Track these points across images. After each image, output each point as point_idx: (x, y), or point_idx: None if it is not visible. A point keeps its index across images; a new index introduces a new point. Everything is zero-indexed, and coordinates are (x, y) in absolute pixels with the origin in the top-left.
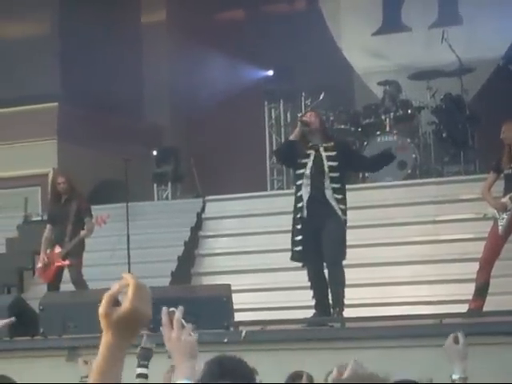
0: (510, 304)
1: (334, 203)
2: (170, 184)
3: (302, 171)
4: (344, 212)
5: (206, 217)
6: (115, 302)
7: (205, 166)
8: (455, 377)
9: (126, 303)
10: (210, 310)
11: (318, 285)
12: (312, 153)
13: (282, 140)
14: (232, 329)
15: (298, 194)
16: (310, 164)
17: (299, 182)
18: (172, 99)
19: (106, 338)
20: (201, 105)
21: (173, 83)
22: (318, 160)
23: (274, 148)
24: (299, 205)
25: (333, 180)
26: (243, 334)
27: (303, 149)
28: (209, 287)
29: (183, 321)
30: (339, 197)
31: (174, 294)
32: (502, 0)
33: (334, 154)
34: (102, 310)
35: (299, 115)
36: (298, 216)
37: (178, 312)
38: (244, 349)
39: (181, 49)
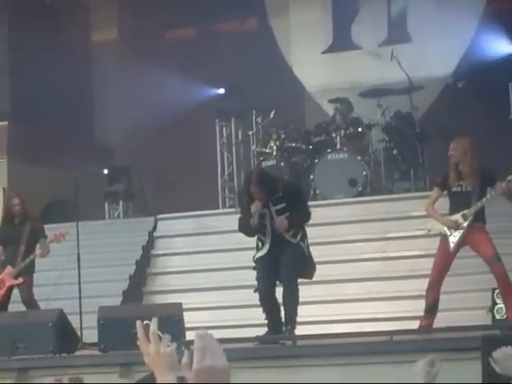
0: (459, 320)
1: (292, 240)
2: (121, 203)
3: (263, 230)
4: (307, 246)
5: (158, 235)
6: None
7: (156, 184)
8: None
9: (193, 366)
10: (162, 329)
11: (269, 304)
12: (265, 212)
13: (234, 158)
14: (183, 348)
15: (259, 244)
16: (268, 226)
17: (261, 238)
18: (123, 117)
19: None
20: (152, 123)
21: (124, 101)
22: (270, 217)
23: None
24: (259, 244)
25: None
26: None
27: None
28: (160, 306)
29: (159, 332)
30: (299, 237)
31: (125, 314)
32: (451, 18)
33: (282, 206)
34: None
35: (252, 209)
36: (254, 255)
37: (153, 324)
38: None
39: (132, 67)
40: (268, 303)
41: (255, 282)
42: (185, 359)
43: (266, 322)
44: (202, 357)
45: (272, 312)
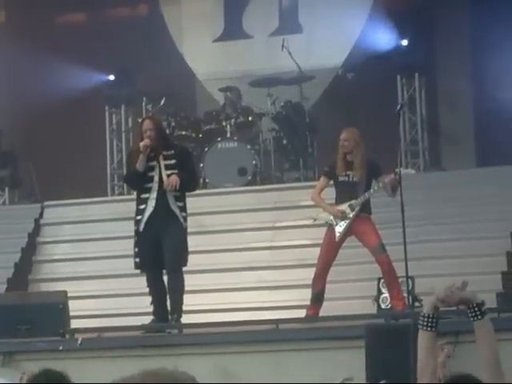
0: (345, 309)
1: (176, 211)
2: (7, 189)
3: (149, 185)
4: (185, 219)
5: (45, 222)
6: None
7: (44, 171)
8: None
9: None
10: (46, 317)
11: (156, 291)
12: (155, 164)
13: (123, 145)
14: (68, 336)
15: (141, 207)
16: (155, 178)
17: (144, 196)
18: (10, 103)
19: None
20: (40, 108)
21: (11, 86)
22: (159, 170)
23: (123, 176)
24: (138, 217)
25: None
26: (79, 341)
27: (147, 162)
28: (44, 294)
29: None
30: (181, 204)
31: (8, 302)
32: (341, 10)
33: (173, 162)
34: None
35: (142, 144)
36: (135, 228)
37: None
38: (80, 356)
39: (20, 52)
40: (155, 289)
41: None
42: None
43: (152, 309)
44: None
45: (158, 299)
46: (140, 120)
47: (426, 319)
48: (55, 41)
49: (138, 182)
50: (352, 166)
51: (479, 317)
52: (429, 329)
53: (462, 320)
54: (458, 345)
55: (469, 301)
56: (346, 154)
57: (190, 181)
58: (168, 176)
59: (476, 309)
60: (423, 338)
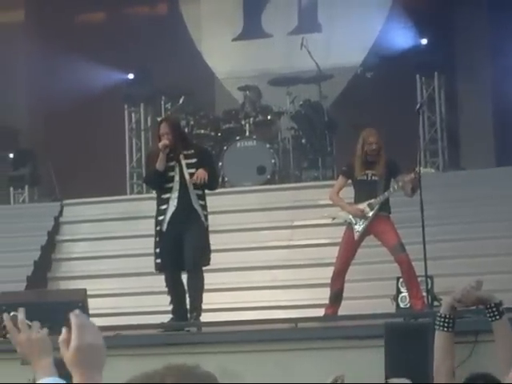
0: (364, 308)
1: (199, 209)
2: (27, 187)
3: (170, 185)
4: (206, 218)
5: (64, 221)
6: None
7: (63, 169)
8: None
9: (71, 343)
10: (65, 316)
11: (175, 290)
12: (175, 164)
13: (143, 144)
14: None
15: (162, 207)
16: (176, 178)
17: (165, 196)
18: (30, 101)
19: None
20: (60, 107)
21: (31, 85)
22: (180, 169)
23: (144, 177)
24: (160, 218)
25: (195, 186)
26: None
27: (167, 162)
28: (64, 292)
29: (27, 321)
30: (203, 203)
31: (28, 299)
32: (360, 9)
33: (194, 161)
34: (61, 355)
35: (160, 144)
36: (158, 229)
37: (20, 313)
38: None
39: (39, 50)
40: (174, 288)
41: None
42: (62, 336)
43: (171, 307)
44: (82, 334)
45: (177, 297)
46: (159, 120)
47: (442, 319)
48: (74, 40)
49: (158, 181)
50: (373, 166)
51: (497, 317)
52: (445, 329)
53: (480, 319)
54: (477, 344)
55: (486, 301)
56: (367, 155)
57: (213, 178)
58: (190, 175)
59: (494, 309)
60: (440, 338)
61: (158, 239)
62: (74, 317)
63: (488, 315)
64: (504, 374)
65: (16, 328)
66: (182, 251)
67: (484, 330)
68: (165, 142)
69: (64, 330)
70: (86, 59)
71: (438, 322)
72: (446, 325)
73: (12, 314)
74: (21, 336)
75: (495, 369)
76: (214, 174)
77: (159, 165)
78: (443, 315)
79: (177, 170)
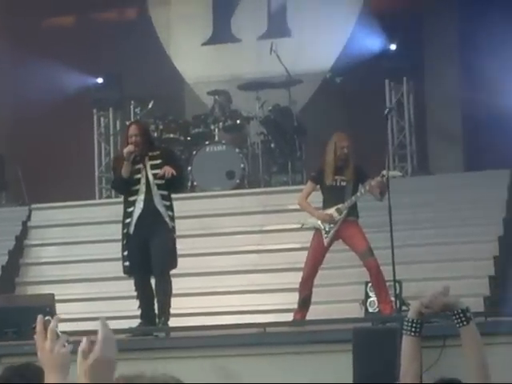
0: (333, 313)
1: (162, 210)
2: None
3: (136, 187)
4: (172, 219)
5: (32, 225)
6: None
7: (31, 173)
8: None
9: (93, 354)
10: (33, 320)
11: (144, 294)
12: (141, 167)
13: (111, 148)
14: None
15: (129, 209)
16: (142, 180)
17: (132, 198)
18: None
19: None
20: (27, 112)
21: None
22: (146, 171)
23: (110, 183)
24: (127, 220)
25: (159, 187)
26: None
27: (134, 165)
28: (31, 297)
29: (58, 331)
30: (167, 203)
31: None
32: (330, 14)
33: (158, 161)
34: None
35: (126, 150)
36: (125, 231)
37: (54, 321)
38: None
39: (7, 55)
40: (143, 292)
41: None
42: (83, 346)
43: (140, 312)
44: (104, 347)
45: (146, 301)
46: (128, 124)
47: (410, 324)
48: (43, 44)
49: (124, 187)
50: (342, 171)
51: (464, 323)
52: (412, 333)
53: (448, 324)
54: (445, 349)
55: (453, 307)
56: (338, 159)
57: (180, 176)
58: (154, 175)
59: (461, 315)
60: (407, 342)
61: (125, 242)
62: (102, 326)
63: (455, 321)
64: (471, 379)
65: (44, 333)
66: (149, 255)
67: (452, 335)
68: (130, 148)
69: (85, 340)
70: (54, 64)
71: (405, 327)
72: (413, 329)
73: (46, 318)
74: (46, 343)
75: (463, 373)
76: (181, 173)
77: (124, 171)
78: (410, 320)
79: (143, 172)
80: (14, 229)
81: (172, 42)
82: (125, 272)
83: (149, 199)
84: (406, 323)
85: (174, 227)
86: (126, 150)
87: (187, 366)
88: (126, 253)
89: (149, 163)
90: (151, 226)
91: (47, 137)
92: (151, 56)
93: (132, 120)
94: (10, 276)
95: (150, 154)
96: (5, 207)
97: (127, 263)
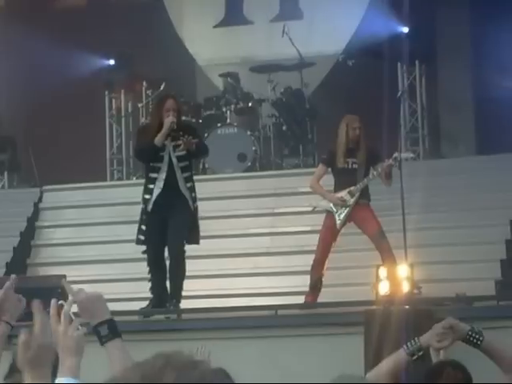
0: (344, 296)
1: (186, 193)
2: (6, 173)
3: (158, 165)
4: (195, 199)
5: (44, 207)
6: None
7: (43, 155)
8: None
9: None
10: (44, 301)
11: (156, 269)
12: (167, 145)
13: (123, 130)
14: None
15: (149, 186)
16: (165, 158)
17: (153, 175)
18: (9, 87)
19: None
20: (40, 94)
21: (10, 71)
22: (169, 152)
23: (135, 148)
24: (147, 196)
25: (183, 169)
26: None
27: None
28: (42, 278)
29: (72, 314)
30: (189, 185)
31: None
32: None
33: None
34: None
35: (169, 120)
36: (143, 207)
37: (67, 305)
38: None
39: (19, 37)
40: (155, 267)
41: (141, 256)
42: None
43: (150, 288)
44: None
45: (157, 277)
46: (164, 96)
47: (415, 348)
48: (54, 26)
49: (150, 156)
50: (354, 154)
51: (480, 340)
52: (410, 356)
53: (460, 307)
54: None
55: (461, 336)
56: (350, 141)
57: (204, 147)
58: (178, 158)
59: (473, 335)
60: (401, 358)
61: (143, 217)
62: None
63: (472, 344)
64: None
65: (58, 317)
66: (166, 234)
67: (462, 318)
68: (172, 118)
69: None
70: (66, 45)
71: (409, 347)
72: (414, 353)
73: (60, 302)
74: (59, 327)
75: (472, 356)
76: (204, 142)
77: (159, 140)
78: (418, 345)
79: (167, 150)
80: (25, 210)
81: (184, 23)
82: (137, 243)
83: (171, 180)
84: (411, 345)
85: (196, 208)
86: (170, 119)
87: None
88: (143, 227)
89: (171, 144)
90: (172, 206)
91: (59, 119)
92: (163, 38)
93: (143, 103)
94: (21, 257)
95: (173, 134)
96: (17, 188)
97: (142, 237)
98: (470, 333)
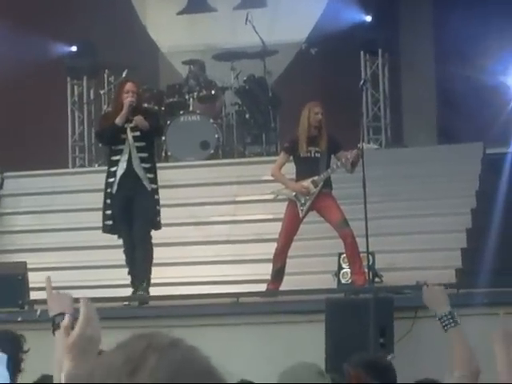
0: (306, 284)
1: (141, 173)
2: None
3: (120, 147)
4: (152, 180)
5: (5, 193)
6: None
7: (4, 142)
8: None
9: (74, 331)
10: (4, 289)
11: (133, 252)
12: (127, 127)
13: (85, 117)
14: (27, 307)
15: (112, 169)
16: (127, 141)
17: (115, 158)
18: None
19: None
20: (0, 79)
21: None
22: (127, 133)
23: (96, 131)
24: (110, 180)
25: (139, 150)
26: (38, 312)
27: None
28: (3, 265)
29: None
30: (147, 166)
31: None
32: None
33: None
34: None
35: (128, 100)
36: (108, 191)
37: (65, 320)
38: (39, 327)
39: None
40: (132, 250)
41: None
42: (65, 322)
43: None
44: (86, 325)
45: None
46: (123, 80)
47: (449, 316)
48: (16, 11)
49: (111, 137)
50: (316, 142)
51: (452, 324)
52: (453, 324)
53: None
54: (416, 320)
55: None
56: (312, 129)
57: (157, 126)
58: (134, 137)
59: (449, 316)
60: (459, 333)
61: (108, 201)
62: (83, 305)
63: (444, 323)
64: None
65: (68, 332)
66: (132, 214)
67: (422, 306)
68: (132, 99)
69: (67, 317)
70: (28, 32)
71: (447, 321)
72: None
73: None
74: (68, 339)
75: (434, 345)
76: (159, 123)
77: (119, 120)
78: (447, 313)
79: (127, 132)
80: None
81: (147, 10)
82: (104, 231)
83: (131, 161)
84: (445, 318)
85: (154, 189)
86: (129, 99)
87: None
88: (108, 212)
89: (129, 125)
90: (133, 189)
91: (20, 105)
92: (126, 24)
93: (105, 89)
94: None
95: (131, 117)
96: None
97: (110, 222)
98: (448, 313)
